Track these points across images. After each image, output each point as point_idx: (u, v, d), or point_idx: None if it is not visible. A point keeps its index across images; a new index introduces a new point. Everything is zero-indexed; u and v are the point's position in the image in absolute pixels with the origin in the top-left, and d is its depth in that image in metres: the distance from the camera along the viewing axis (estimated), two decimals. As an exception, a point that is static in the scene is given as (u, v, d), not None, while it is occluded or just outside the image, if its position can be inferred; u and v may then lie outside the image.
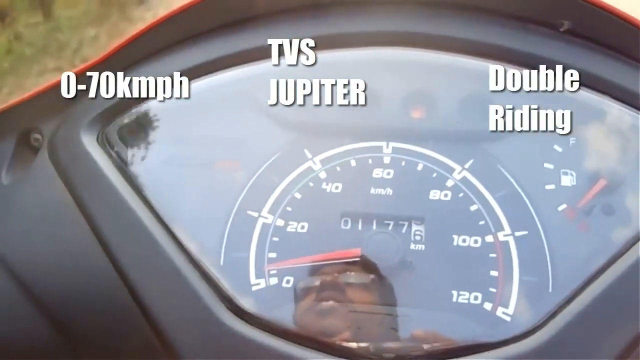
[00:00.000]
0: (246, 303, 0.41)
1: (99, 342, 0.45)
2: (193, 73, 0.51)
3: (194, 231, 0.45)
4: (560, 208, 0.43)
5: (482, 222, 0.43)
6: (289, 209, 0.46)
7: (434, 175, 0.46)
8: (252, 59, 0.51)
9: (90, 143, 0.49)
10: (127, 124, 0.51)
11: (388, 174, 0.47)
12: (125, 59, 0.53)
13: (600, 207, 0.43)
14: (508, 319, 0.40)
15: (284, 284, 0.43)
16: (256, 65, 0.51)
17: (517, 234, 0.43)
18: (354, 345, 0.39)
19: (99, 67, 0.52)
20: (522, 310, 0.40)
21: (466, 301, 0.41)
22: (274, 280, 0.43)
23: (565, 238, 0.42)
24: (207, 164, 0.49)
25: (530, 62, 0.46)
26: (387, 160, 0.47)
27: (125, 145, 0.50)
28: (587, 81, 0.45)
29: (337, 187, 0.47)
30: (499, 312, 0.40)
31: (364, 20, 0.49)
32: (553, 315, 0.39)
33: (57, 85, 0.54)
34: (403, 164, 0.47)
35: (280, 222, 0.45)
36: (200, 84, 0.51)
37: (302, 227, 0.45)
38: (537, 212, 0.43)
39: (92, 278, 0.45)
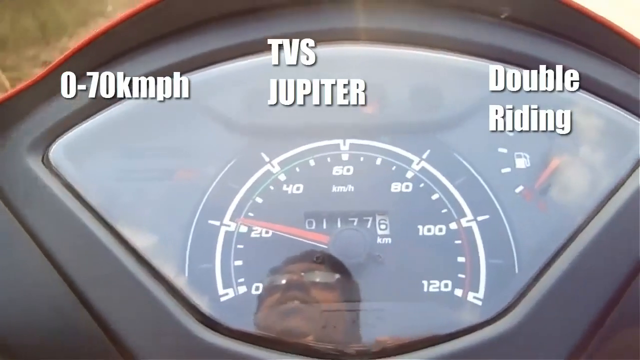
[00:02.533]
0: (215, 313, 0.40)
1: None
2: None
3: (156, 246, 0.43)
4: (518, 190, 0.45)
5: (444, 210, 0.44)
6: (251, 214, 0.45)
7: (394, 168, 0.46)
8: (197, 65, 0.50)
9: (35, 164, 0.47)
10: (74, 141, 0.49)
11: (348, 170, 0.46)
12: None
13: (557, 185, 0.44)
14: (479, 303, 0.40)
15: (253, 291, 0.42)
16: (202, 71, 0.50)
17: (479, 218, 0.43)
18: (330, 345, 0.39)
19: (40, 84, 0.50)
20: (492, 294, 0.41)
21: (437, 290, 0.41)
22: (242, 289, 0.42)
23: (525, 219, 0.43)
24: (162, 176, 0.48)
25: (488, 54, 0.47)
26: (345, 157, 0.47)
27: (73, 163, 0.48)
28: (533, 64, 0.46)
29: (298, 188, 0.46)
30: (470, 297, 0.41)
31: (308, 17, 0.49)
32: (522, 295, 0.39)
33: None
34: (362, 159, 0.47)
35: (243, 229, 0.45)
36: None
37: (267, 232, 0.44)
38: (496, 195, 0.44)
39: (47, 303, 0.42)
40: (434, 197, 0.45)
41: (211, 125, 0.49)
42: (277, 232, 0.44)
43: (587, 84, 0.46)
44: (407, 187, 0.45)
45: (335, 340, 0.39)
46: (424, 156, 0.46)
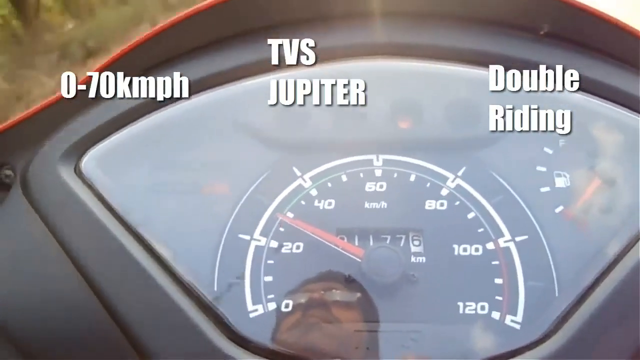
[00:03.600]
0: (245, 330, 0.39)
1: None
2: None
3: (185, 260, 0.43)
4: (558, 210, 0.43)
5: (481, 230, 0.43)
6: (282, 229, 0.44)
7: (428, 185, 0.45)
8: (229, 79, 0.50)
9: (67, 175, 0.47)
10: (106, 152, 0.49)
11: (381, 186, 0.46)
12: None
13: (598, 205, 0.43)
14: (518, 327, 0.39)
15: (283, 309, 0.41)
16: (235, 85, 0.50)
17: (518, 239, 0.42)
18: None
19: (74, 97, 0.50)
20: (531, 317, 0.39)
21: (473, 312, 0.40)
22: (272, 305, 0.41)
23: (565, 239, 0.42)
24: (194, 189, 0.47)
25: (520, 66, 0.46)
26: (378, 173, 0.46)
27: (105, 174, 0.48)
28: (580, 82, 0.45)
29: (330, 204, 0.45)
30: (508, 320, 0.39)
31: (345, 33, 0.49)
32: (563, 320, 0.38)
33: (29, 118, 0.51)
34: (395, 175, 0.46)
35: (274, 244, 0.44)
36: (179, 107, 0.49)
37: (298, 248, 0.44)
38: (535, 215, 0.43)
39: (77, 315, 0.42)
40: (470, 215, 0.43)
41: (243, 139, 0.49)
42: (316, 236, 0.43)
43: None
44: (441, 204, 0.44)
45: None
46: (460, 173, 0.45)
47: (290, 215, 0.45)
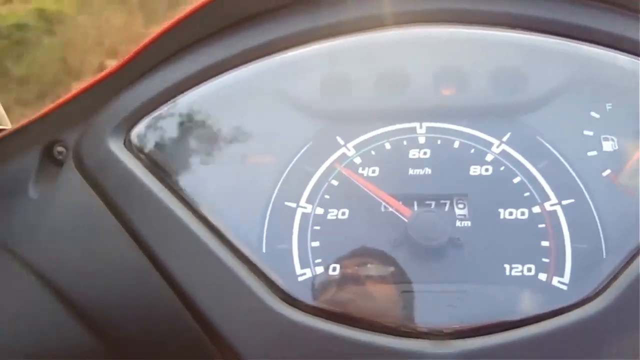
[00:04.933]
0: (294, 292, 0.40)
1: (146, 349, 0.44)
2: (214, 70, 0.50)
3: (234, 227, 0.44)
4: (605, 173, 0.43)
5: (527, 194, 0.43)
6: (327, 197, 0.45)
7: (472, 151, 0.45)
8: (273, 50, 0.50)
9: (118, 148, 0.49)
10: (154, 126, 0.50)
11: (425, 153, 0.46)
12: (147, 61, 0.52)
13: None
14: (565, 287, 0.39)
15: (330, 272, 0.42)
16: (278, 56, 0.50)
17: (564, 202, 0.42)
18: (410, 324, 0.38)
19: (122, 71, 0.52)
20: (578, 278, 0.39)
21: (519, 273, 0.40)
22: (320, 269, 0.42)
23: (613, 203, 0.42)
24: (240, 159, 0.49)
25: (560, 31, 0.45)
26: (422, 140, 0.47)
27: (154, 147, 0.49)
28: (621, 45, 0.44)
29: (374, 171, 0.46)
30: (555, 281, 0.40)
31: (385, 1, 0.49)
32: (611, 280, 0.38)
33: (78, 96, 0.53)
34: (439, 142, 0.46)
35: (319, 211, 0.45)
36: (226, 78, 0.50)
37: (343, 214, 0.44)
38: (582, 179, 0.43)
39: (133, 283, 0.44)
40: (516, 180, 0.43)
41: (287, 110, 0.50)
42: (368, 191, 0.44)
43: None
44: (486, 170, 0.44)
45: (416, 320, 0.38)
46: (504, 139, 0.45)
47: (334, 183, 0.46)
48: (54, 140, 0.54)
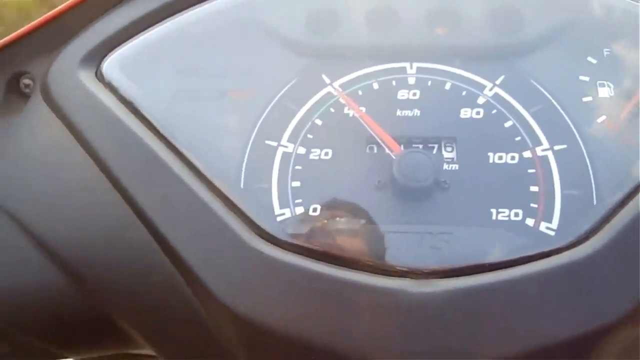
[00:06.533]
0: (273, 230, 0.38)
1: (117, 287, 0.42)
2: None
3: (211, 164, 0.42)
4: (600, 120, 0.41)
5: (518, 138, 0.41)
6: (310, 136, 0.43)
7: (464, 93, 0.43)
8: None
9: (89, 80, 0.46)
10: (127, 56, 0.47)
11: (414, 94, 0.44)
12: None
13: None
14: (552, 233, 0.38)
15: (310, 212, 0.40)
16: None
17: (556, 147, 0.40)
18: (393, 263, 0.37)
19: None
20: (566, 224, 0.38)
21: (506, 218, 0.39)
22: (299, 210, 0.41)
23: (606, 150, 0.40)
24: (219, 95, 0.46)
25: None
26: (412, 81, 0.44)
27: (127, 79, 0.46)
28: None
29: (361, 111, 0.44)
30: (542, 227, 0.38)
31: None
32: (599, 226, 0.37)
33: (46, 24, 0.50)
34: (429, 83, 0.44)
35: (301, 150, 0.43)
36: (203, 9, 0.47)
37: (326, 154, 0.42)
38: (576, 125, 0.41)
39: (104, 219, 0.41)
40: (507, 124, 0.42)
41: (270, 44, 0.47)
42: (361, 120, 0.43)
43: None
44: (477, 113, 0.42)
45: (398, 260, 0.37)
46: (498, 82, 0.43)
47: (318, 122, 0.44)
48: (19, 71, 0.51)
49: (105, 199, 0.41)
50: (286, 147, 0.43)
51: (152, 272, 0.40)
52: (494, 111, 0.42)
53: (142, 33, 0.47)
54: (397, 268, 0.36)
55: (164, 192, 0.40)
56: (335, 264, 0.36)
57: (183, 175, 0.40)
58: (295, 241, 0.38)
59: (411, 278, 0.35)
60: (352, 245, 0.38)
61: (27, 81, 0.51)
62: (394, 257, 0.37)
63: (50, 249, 0.42)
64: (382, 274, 0.35)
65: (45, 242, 0.42)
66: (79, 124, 0.44)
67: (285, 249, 0.37)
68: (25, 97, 0.50)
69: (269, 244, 0.37)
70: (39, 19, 0.50)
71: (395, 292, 0.34)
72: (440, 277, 0.35)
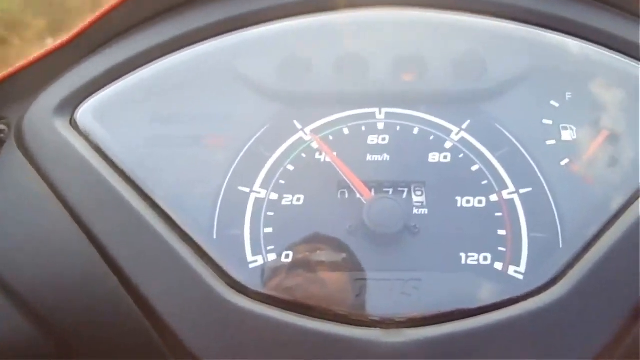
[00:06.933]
0: (244, 279, 0.39)
1: (88, 337, 0.41)
2: (165, 48, 0.48)
3: (184, 212, 0.42)
4: (563, 162, 0.42)
5: (484, 182, 0.42)
6: (282, 182, 0.44)
7: (431, 138, 0.44)
8: (229, 28, 0.48)
9: (63, 127, 0.46)
10: (102, 104, 0.48)
11: (383, 139, 0.45)
12: (95, 38, 0.50)
13: (603, 159, 0.42)
14: (520, 277, 0.38)
15: (283, 259, 0.40)
16: (234, 35, 0.48)
17: (522, 191, 0.41)
18: (363, 313, 0.37)
19: (69, 47, 0.49)
20: (534, 268, 0.39)
21: (475, 262, 0.39)
22: (272, 256, 0.41)
23: (571, 192, 0.41)
24: (193, 141, 0.46)
25: (520, 17, 0.45)
26: (381, 126, 0.45)
27: (101, 126, 0.47)
28: (582, 34, 0.44)
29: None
30: (511, 270, 0.39)
31: None
32: (566, 269, 0.37)
33: (21, 71, 0.50)
34: (398, 128, 0.45)
35: (274, 196, 0.43)
36: (177, 58, 0.48)
37: (298, 200, 0.43)
38: (540, 167, 0.42)
39: (77, 270, 0.41)
40: (474, 168, 0.43)
41: (243, 91, 0.48)
42: (335, 165, 0.43)
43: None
44: (445, 157, 0.43)
45: (369, 309, 0.37)
46: (464, 126, 0.44)
47: (290, 168, 0.44)
48: None
49: (77, 247, 0.41)
50: (259, 192, 0.43)
51: (123, 322, 0.39)
52: (461, 155, 0.43)
53: (117, 81, 0.48)
54: (368, 318, 0.36)
55: (135, 241, 0.40)
56: (305, 314, 0.36)
57: (155, 224, 0.40)
58: (265, 291, 0.38)
59: (381, 328, 0.35)
60: (322, 294, 0.38)
61: (2, 127, 0.51)
62: (365, 306, 0.37)
63: (21, 298, 0.42)
64: (353, 324, 0.35)
65: (15, 291, 0.42)
66: (52, 171, 0.44)
67: (256, 300, 0.37)
68: (1, 142, 0.50)
69: (239, 294, 0.37)
70: (16, 65, 0.51)
71: (365, 343, 0.34)
72: (411, 327, 0.35)
